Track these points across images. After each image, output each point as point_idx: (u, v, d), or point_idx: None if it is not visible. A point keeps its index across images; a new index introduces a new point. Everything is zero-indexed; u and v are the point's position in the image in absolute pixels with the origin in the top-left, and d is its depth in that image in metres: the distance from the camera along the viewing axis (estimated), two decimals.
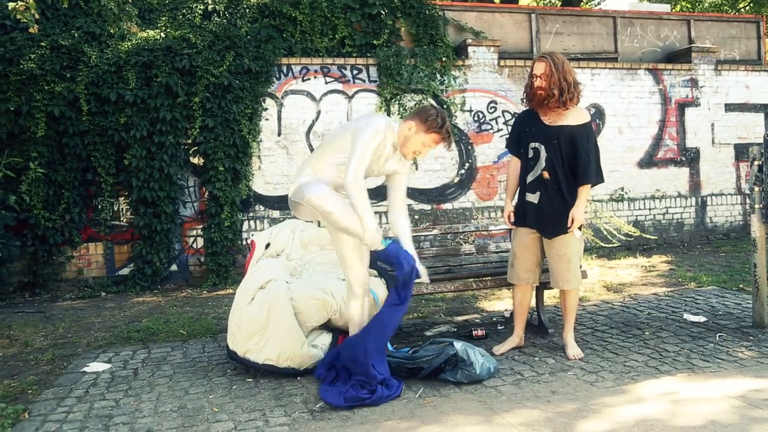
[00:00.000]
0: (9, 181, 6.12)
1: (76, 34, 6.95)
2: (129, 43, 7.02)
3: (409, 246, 3.51)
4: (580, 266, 3.95)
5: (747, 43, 10.40)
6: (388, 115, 8.00)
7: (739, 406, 3.02)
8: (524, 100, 3.89)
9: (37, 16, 5.05)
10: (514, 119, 8.43)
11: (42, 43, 6.69)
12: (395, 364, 3.50)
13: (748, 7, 16.93)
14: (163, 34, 7.24)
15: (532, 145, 3.82)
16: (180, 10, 7.63)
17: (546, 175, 3.76)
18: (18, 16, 4.88)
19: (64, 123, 6.78)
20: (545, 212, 3.78)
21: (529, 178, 3.85)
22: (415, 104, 8.08)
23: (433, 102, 8.17)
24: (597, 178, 3.77)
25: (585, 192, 3.74)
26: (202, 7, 7.67)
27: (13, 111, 6.63)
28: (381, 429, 2.92)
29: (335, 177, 3.35)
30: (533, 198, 3.83)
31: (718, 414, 2.94)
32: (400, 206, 3.57)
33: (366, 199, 3.23)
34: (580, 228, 3.77)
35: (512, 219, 3.98)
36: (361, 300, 3.57)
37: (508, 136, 8.42)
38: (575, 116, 3.75)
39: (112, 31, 7.06)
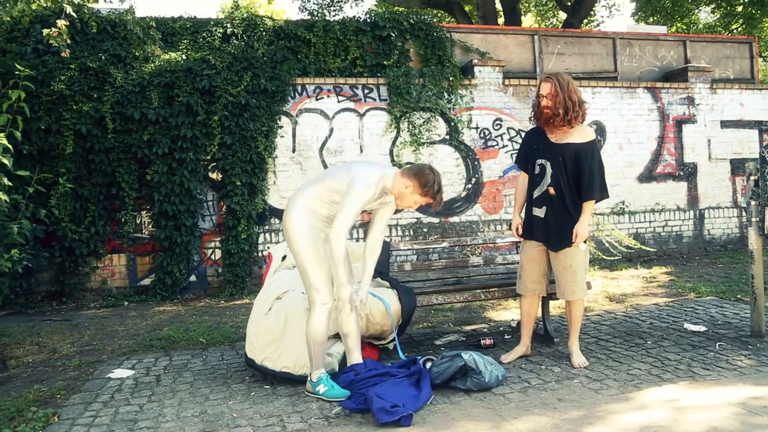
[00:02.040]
0: (39, 195, 6.17)
1: (103, 57, 7.06)
2: (152, 65, 7.11)
3: (366, 277, 3.53)
4: (586, 278, 3.94)
5: (740, 63, 10.40)
6: (398, 132, 8.05)
7: (740, 413, 3.00)
8: (532, 118, 3.91)
9: (68, 41, 5.14)
10: (522, 136, 8.49)
11: (71, 66, 6.80)
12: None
13: (740, 29, 16.94)
14: (184, 56, 7.33)
15: (539, 161, 3.83)
16: (200, 34, 7.74)
17: (552, 190, 3.77)
18: (51, 41, 4.97)
19: (91, 140, 6.87)
20: (551, 226, 3.78)
21: (536, 194, 3.86)
22: (424, 122, 8.12)
23: (440, 119, 8.21)
24: (602, 193, 3.77)
25: (589, 207, 3.74)
26: (221, 31, 7.77)
27: (44, 129, 6.73)
28: None
29: (328, 213, 3.41)
30: (539, 212, 3.84)
31: (719, 421, 2.92)
32: (379, 235, 3.58)
33: (343, 253, 3.25)
34: (585, 241, 3.77)
35: (521, 232, 3.99)
36: (324, 312, 3.38)
37: (514, 152, 8.49)
38: (580, 134, 3.76)
39: (137, 53, 7.18)
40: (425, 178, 3.30)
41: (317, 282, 3.35)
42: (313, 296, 3.38)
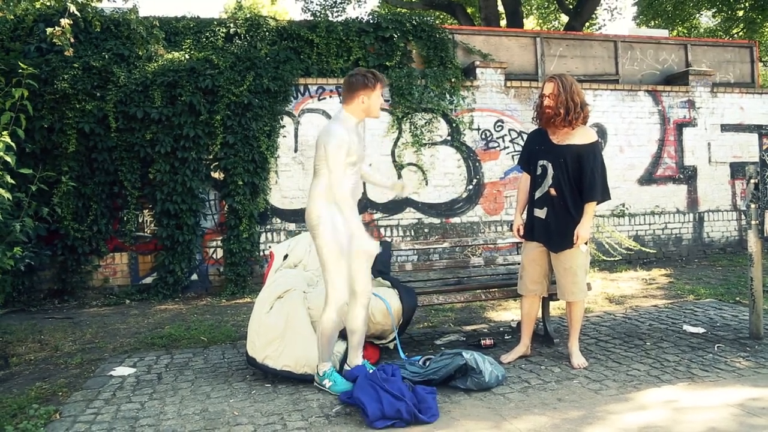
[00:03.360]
0: (42, 193, 6.18)
1: (106, 56, 7.06)
2: (155, 64, 7.12)
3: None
4: (586, 279, 3.95)
5: (741, 67, 10.40)
6: (399, 133, 8.06)
7: (738, 414, 3.01)
8: (534, 119, 3.92)
9: (72, 40, 5.15)
10: (523, 138, 8.50)
11: (74, 65, 6.80)
12: (407, 378, 3.47)
13: (741, 33, 16.95)
14: (187, 56, 7.33)
15: (541, 162, 3.84)
16: (203, 33, 7.74)
17: (553, 191, 3.78)
18: (54, 40, 4.98)
19: (94, 139, 6.87)
20: (552, 227, 3.79)
21: (537, 194, 3.87)
22: (426, 122, 8.13)
23: (442, 120, 8.22)
24: (603, 195, 3.77)
25: (590, 209, 3.74)
26: (224, 31, 7.78)
27: (47, 128, 6.74)
28: None
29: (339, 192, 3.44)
30: (541, 213, 3.84)
31: (717, 422, 2.93)
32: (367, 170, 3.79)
33: (354, 209, 3.38)
34: (586, 243, 3.77)
35: (522, 232, 3.99)
36: (337, 308, 3.44)
37: (515, 153, 8.50)
38: (582, 136, 3.76)
39: (140, 53, 7.19)
40: (364, 78, 3.40)
41: (336, 280, 3.41)
42: (330, 292, 3.43)
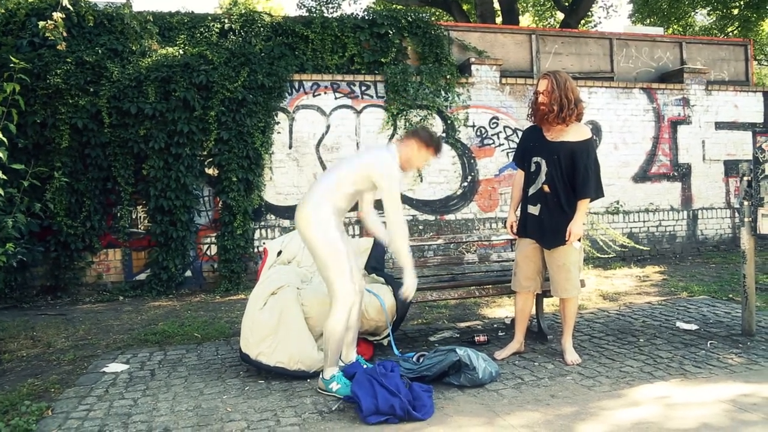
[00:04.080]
0: (35, 189, 6.15)
1: (99, 51, 7.02)
2: (149, 60, 7.08)
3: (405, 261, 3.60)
4: (580, 276, 3.95)
5: (735, 65, 10.43)
6: (394, 129, 8.05)
7: (730, 410, 3.02)
8: (529, 116, 3.92)
9: (64, 34, 5.12)
10: (518, 135, 8.51)
11: (67, 59, 6.77)
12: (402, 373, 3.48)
13: (736, 31, 16.99)
14: (181, 51, 7.30)
15: (534, 159, 3.84)
16: (198, 29, 7.71)
17: (546, 188, 3.78)
18: (47, 34, 4.95)
19: (87, 135, 6.84)
20: (545, 224, 3.80)
21: (531, 191, 3.87)
22: (420, 119, 8.13)
23: (437, 116, 8.22)
24: (597, 192, 3.77)
25: (583, 206, 3.75)
26: (218, 26, 7.75)
27: (40, 123, 6.70)
28: (387, 429, 2.92)
29: (347, 206, 3.46)
30: (534, 210, 3.85)
31: (709, 417, 2.94)
32: (376, 215, 3.82)
33: (407, 245, 3.43)
34: (579, 240, 3.78)
35: (515, 229, 4.00)
36: (347, 308, 3.34)
37: (510, 150, 8.51)
38: (576, 133, 3.77)
39: (134, 48, 7.15)
40: (424, 133, 3.51)
41: (341, 279, 3.31)
42: (337, 294, 3.32)
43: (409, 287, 3.43)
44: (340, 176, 3.40)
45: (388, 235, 3.45)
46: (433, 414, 3.06)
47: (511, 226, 4.02)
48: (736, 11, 16.67)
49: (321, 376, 3.44)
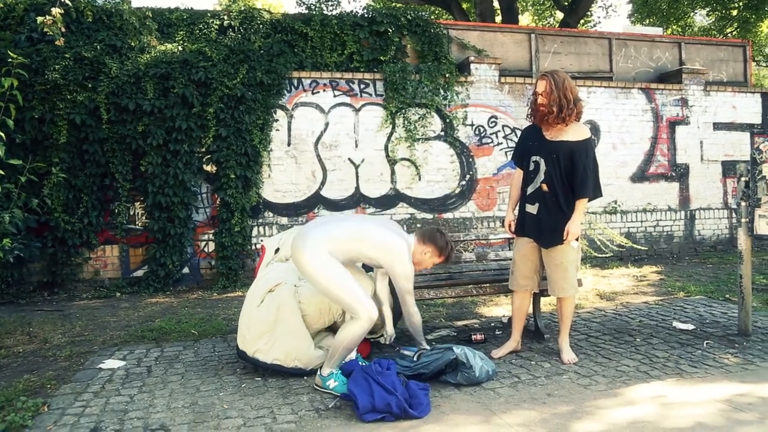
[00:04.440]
0: (32, 185, 6.14)
1: (98, 47, 7.01)
2: (148, 56, 7.07)
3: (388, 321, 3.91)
4: (577, 275, 3.96)
5: (734, 66, 10.44)
6: (393, 127, 8.04)
7: (725, 410, 3.03)
8: (528, 116, 3.92)
9: (63, 30, 5.10)
10: (516, 134, 8.51)
11: (66, 55, 6.75)
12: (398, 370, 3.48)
13: (735, 32, 17.01)
14: (180, 48, 7.29)
15: (533, 158, 3.84)
16: (197, 25, 7.70)
17: (545, 187, 3.78)
18: (45, 30, 4.93)
19: (85, 131, 6.83)
20: (543, 223, 3.80)
21: (529, 190, 3.87)
22: (419, 118, 8.12)
23: (435, 115, 8.22)
24: (595, 192, 3.76)
25: (582, 205, 3.75)
26: (218, 23, 7.73)
27: (38, 119, 6.68)
28: (384, 428, 2.92)
29: (343, 260, 3.44)
30: (532, 209, 3.85)
31: (705, 417, 2.95)
32: (383, 288, 3.91)
33: (419, 320, 3.71)
34: (577, 239, 3.78)
35: (513, 228, 4.00)
36: (369, 324, 3.34)
37: (509, 149, 8.51)
38: (575, 132, 3.77)
39: (132, 44, 7.13)
40: (441, 242, 3.62)
41: (358, 300, 3.31)
42: (360, 314, 3.31)
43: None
44: (351, 234, 3.44)
45: (406, 317, 3.66)
46: (429, 412, 3.06)
47: (510, 225, 4.02)
48: (735, 12, 16.67)
49: (318, 372, 3.44)
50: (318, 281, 3.36)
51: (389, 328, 3.90)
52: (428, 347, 3.66)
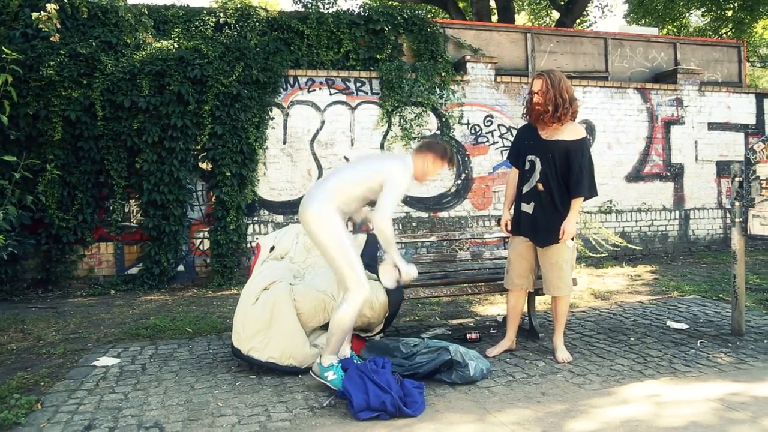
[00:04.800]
0: (26, 181, 6.13)
1: (93, 43, 6.97)
2: (144, 53, 7.04)
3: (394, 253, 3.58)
4: (572, 275, 3.96)
5: (729, 66, 10.48)
6: (389, 126, 8.04)
7: (718, 409, 3.04)
8: (524, 115, 3.93)
9: (58, 26, 5.08)
10: (512, 133, 8.52)
11: (61, 51, 6.71)
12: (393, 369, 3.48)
13: (730, 33, 17.06)
14: (176, 45, 7.26)
15: (529, 157, 3.84)
16: (193, 23, 7.67)
17: (540, 186, 3.79)
18: (40, 26, 4.91)
19: (80, 127, 6.79)
20: (538, 222, 3.80)
21: (525, 189, 3.87)
22: (415, 116, 8.12)
23: (431, 114, 8.22)
24: (590, 191, 3.77)
25: (577, 204, 3.75)
26: (214, 20, 7.70)
27: (32, 115, 6.64)
28: (378, 425, 2.92)
29: (353, 209, 3.51)
30: (528, 208, 3.85)
31: (698, 416, 2.96)
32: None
33: (393, 234, 3.43)
34: (572, 238, 3.79)
35: (509, 227, 4.00)
36: (360, 302, 3.36)
37: (504, 149, 8.52)
38: (571, 132, 3.77)
39: (128, 40, 7.10)
40: (438, 148, 3.58)
41: (355, 274, 3.33)
42: (353, 287, 3.32)
43: (407, 271, 3.43)
44: (352, 177, 3.44)
45: (374, 224, 3.37)
46: (424, 410, 3.06)
47: (506, 224, 4.02)
48: (730, 13, 16.72)
49: (318, 361, 3.42)
50: (320, 240, 3.35)
51: (402, 266, 3.48)
52: (411, 271, 3.43)
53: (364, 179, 3.43)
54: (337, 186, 3.41)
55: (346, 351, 3.64)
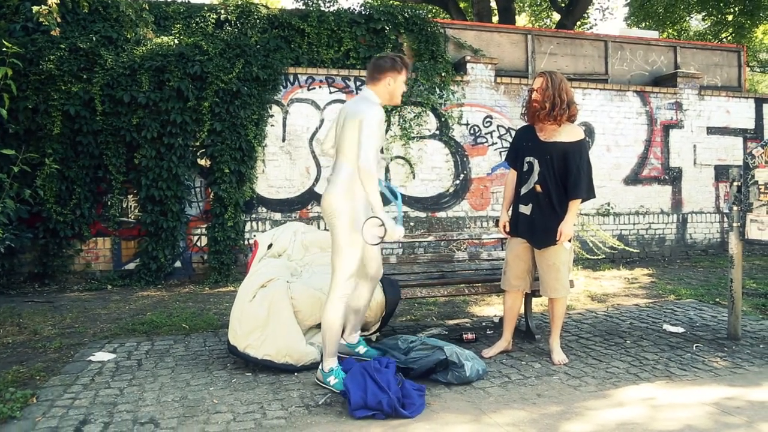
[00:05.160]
0: (25, 175, 6.11)
1: (94, 38, 6.96)
2: (144, 48, 7.02)
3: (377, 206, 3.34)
4: (569, 276, 3.96)
5: (728, 71, 10.49)
6: (388, 126, 8.03)
7: (713, 413, 3.04)
8: (523, 115, 3.92)
9: (58, 20, 5.07)
10: (511, 134, 8.52)
11: (61, 45, 6.70)
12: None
13: (730, 37, 17.08)
14: (176, 41, 7.25)
15: (527, 159, 3.84)
16: (194, 19, 7.65)
17: (538, 188, 3.78)
18: (41, 19, 4.90)
19: (79, 122, 6.78)
20: (536, 223, 3.80)
21: (523, 191, 3.87)
22: (415, 116, 8.12)
23: (431, 113, 8.22)
24: (588, 193, 3.77)
25: (575, 206, 3.75)
26: (214, 17, 7.69)
27: (31, 109, 6.63)
28: (374, 425, 2.92)
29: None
30: (526, 209, 3.85)
31: (693, 420, 2.96)
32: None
33: (377, 189, 3.18)
34: (569, 240, 3.78)
35: (508, 229, 4.00)
36: (343, 302, 3.32)
37: (503, 149, 8.52)
38: (569, 133, 3.77)
39: (128, 36, 7.07)
40: (386, 63, 3.36)
41: (347, 269, 3.28)
42: (338, 283, 3.29)
43: (392, 231, 3.15)
44: (336, 155, 3.38)
45: (358, 166, 3.17)
46: (421, 413, 3.05)
47: (504, 226, 4.02)
48: (730, 17, 16.74)
49: (320, 367, 3.41)
50: (334, 228, 3.28)
51: (389, 223, 3.21)
52: (396, 231, 3.18)
53: (354, 142, 3.24)
54: (344, 170, 3.32)
55: (354, 338, 3.70)
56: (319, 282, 3.95)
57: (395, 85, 3.38)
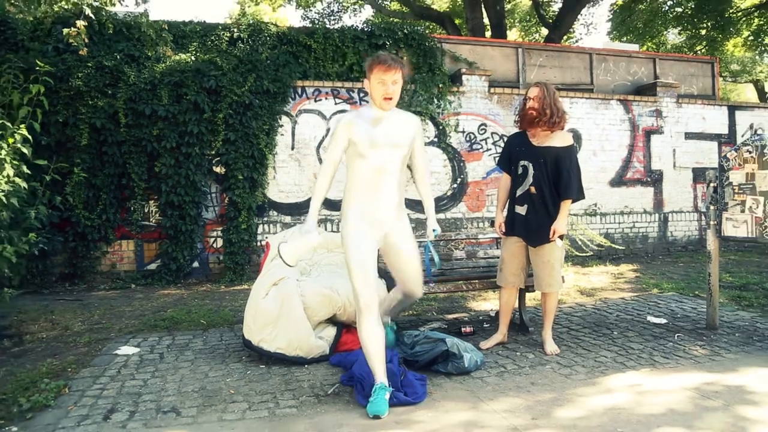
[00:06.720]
0: (56, 183, 6.13)
1: (118, 56, 6.97)
2: (163, 65, 7.04)
3: (431, 218, 3.53)
4: (561, 272, 3.96)
5: (703, 81, 10.47)
6: None
7: (694, 397, 3.04)
8: (516, 122, 3.92)
9: (86, 41, 5.09)
10: (505, 140, 8.50)
11: (88, 64, 6.71)
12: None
13: (704, 50, 17.06)
14: (193, 58, 7.26)
15: (522, 163, 3.84)
16: (209, 37, 7.66)
17: (533, 190, 3.78)
18: (70, 40, 4.92)
19: (105, 134, 6.80)
20: (531, 223, 3.80)
21: (518, 192, 3.87)
22: None
23: (430, 122, 8.22)
24: (578, 194, 3.77)
25: (566, 206, 3.75)
26: (228, 35, 7.70)
27: (62, 122, 6.65)
28: None
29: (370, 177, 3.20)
30: (521, 210, 3.85)
31: (675, 404, 2.95)
32: (421, 181, 3.58)
33: (320, 187, 3.12)
34: (561, 238, 3.78)
35: (503, 229, 3.99)
36: (368, 319, 2.96)
37: (497, 155, 8.51)
38: (560, 139, 3.78)
39: (149, 54, 7.11)
40: (367, 64, 3.10)
41: (362, 291, 2.96)
42: (360, 306, 2.96)
43: (297, 241, 3.06)
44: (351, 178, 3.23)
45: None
46: (424, 400, 3.05)
47: (500, 226, 4.01)
48: (704, 32, 16.71)
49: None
50: (345, 254, 3.09)
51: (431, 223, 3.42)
52: (307, 240, 3.07)
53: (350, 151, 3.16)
54: (349, 191, 3.24)
55: (386, 320, 3.65)
56: (326, 280, 3.95)
57: (370, 86, 3.10)
